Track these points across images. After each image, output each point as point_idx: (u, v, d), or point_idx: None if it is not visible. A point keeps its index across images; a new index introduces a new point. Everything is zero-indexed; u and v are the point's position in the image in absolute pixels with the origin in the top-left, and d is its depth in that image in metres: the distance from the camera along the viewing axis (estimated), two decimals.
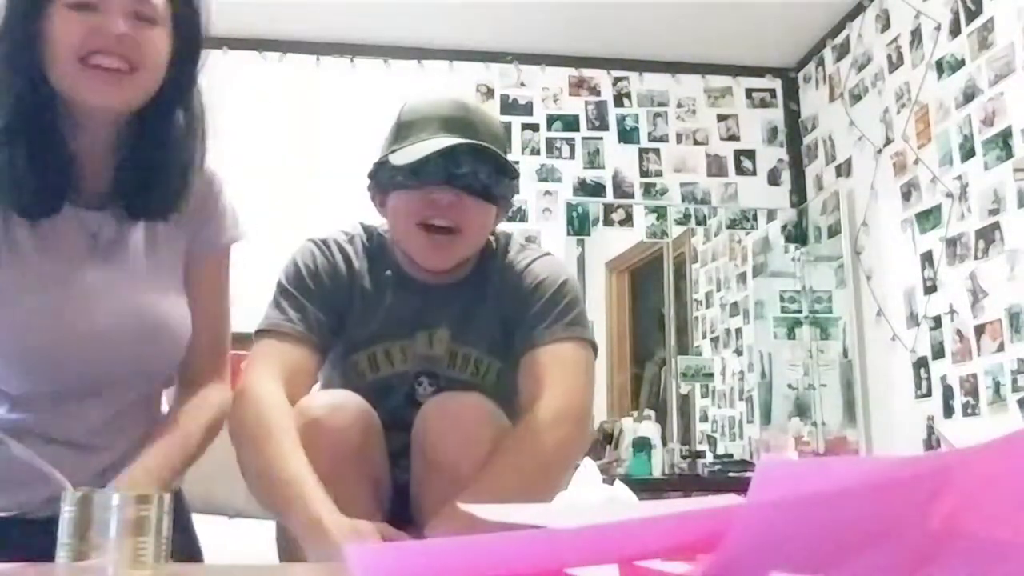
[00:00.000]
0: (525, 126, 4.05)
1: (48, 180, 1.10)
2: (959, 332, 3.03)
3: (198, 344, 1.24)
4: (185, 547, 1.26)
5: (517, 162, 3.97)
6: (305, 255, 1.39)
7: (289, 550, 1.20)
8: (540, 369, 1.29)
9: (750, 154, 4.17)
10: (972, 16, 3.04)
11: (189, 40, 1.16)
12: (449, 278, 1.40)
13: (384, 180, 1.35)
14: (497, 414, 1.25)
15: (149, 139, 1.16)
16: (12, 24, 1.07)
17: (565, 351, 1.31)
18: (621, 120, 4.13)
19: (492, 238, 1.46)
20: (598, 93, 4.15)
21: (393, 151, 1.32)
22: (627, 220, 4.03)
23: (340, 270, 1.38)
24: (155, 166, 1.16)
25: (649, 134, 4.13)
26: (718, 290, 4.12)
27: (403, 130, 1.34)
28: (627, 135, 4.12)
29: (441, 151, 1.26)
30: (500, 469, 1.17)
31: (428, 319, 1.37)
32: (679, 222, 4.07)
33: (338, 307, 1.36)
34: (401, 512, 1.28)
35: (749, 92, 4.23)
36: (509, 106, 4.06)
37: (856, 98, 3.75)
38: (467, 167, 1.29)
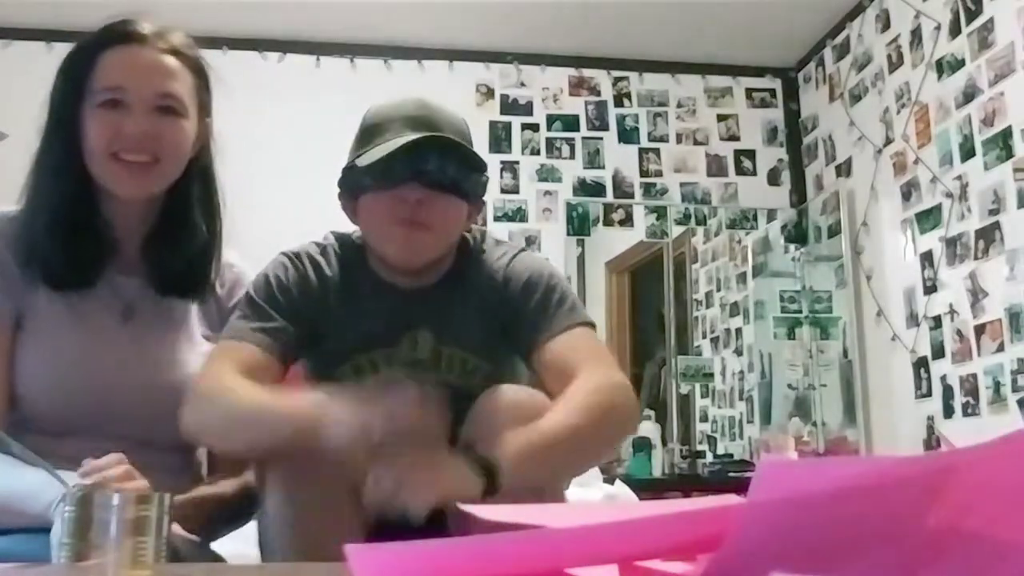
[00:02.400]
0: (525, 126, 4.05)
1: (83, 255, 1.23)
2: (959, 332, 3.03)
3: None
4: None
5: (517, 162, 3.97)
6: (276, 268, 1.38)
7: (271, 550, 1.20)
8: (562, 357, 1.28)
9: (750, 154, 4.17)
10: (972, 16, 3.04)
11: (205, 114, 1.32)
12: (426, 279, 1.38)
13: (352, 185, 1.35)
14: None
15: (172, 211, 1.31)
16: (55, 120, 1.24)
17: (580, 336, 1.31)
18: (621, 120, 4.13)
19: (468, 235, 1.45)
20: (598, 93, 4.15)
21: (359, 155, 1.32)
22: (627, 220, 4.03)
23: (311, 282, 1.36)
24: (179, 241, 1.30)
25: (649, 134, 4.13)
26: (718, 290, 4.12)
27: (367, 134, 1.34)
28: (627, 135, 4.11)
29: (407, 148, 1.26)
30: (566, 408, 1.18)
31: (409, 323, 1.35)
32: (679, 222, 4.06)
33: (310, 320, 1.34)
34: (391, 521, 1.27)
35: (749, 92, 4.23)
36: (509, 106, 4.06)
37: (856, 98, 3.74)
38: (434, 164, 1.28)
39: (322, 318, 1.35)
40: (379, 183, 1.30)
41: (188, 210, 1.32)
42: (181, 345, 1.31)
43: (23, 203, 1.26)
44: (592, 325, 1.36)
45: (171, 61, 1.26)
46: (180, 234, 1.31)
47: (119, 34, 1.24)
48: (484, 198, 1.44)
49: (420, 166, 1.28)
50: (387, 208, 1.30)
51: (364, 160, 1.30)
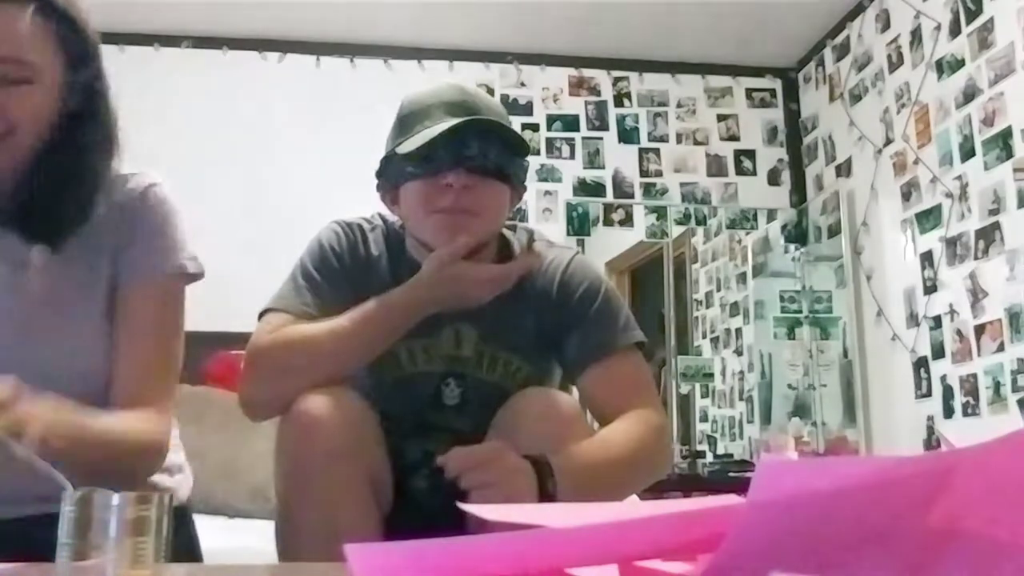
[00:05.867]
0: (525, 126, 4.05)
1: None
2: (959, 332, 3.03)
3: (117, 376, 1.13)
4: (184, 547, 1.27)
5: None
6: (329, 236, 1.36)
7: (288, 549, 1.20)
8: (609, 386, 1.30)
9: (750, 154, 4.17)
10: (972, 16, 3.04)
11: (78, 59, 1.13)
12: None
13: (393, 174, 1.32)
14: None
15: (47, 162, 1.11)
16: None
17: (630, 365, 1.33)
18: (621, 120, 4.13)
19: (512, 234, 1.43)
20: (598, 93, 4.15)
21: (399, 143, 1.29)
22: (627, 220, 4.03)
23: (360, 253, 1.36)
24: (50, 188, 1.11)
25: (649, 134, 4.13)
26: (718, 290, 4.12)
27: (406, 121, 1.31)
28: (627, 135, 4.11)
29: (449, 134, 1.24)
30: (614, 442, 1.21)
31: (451, 315, 1.32)
32: (679, 222, 4.06)
33: (357, 290, 1.31)
34: (409, 521, 1.26)
35: (749, 92, 4.23)
36: (509, 106, 4.05)
37: (856, 98, 3.74)
38: (476, 148, 1.26)
39: (365, 293, 1.31)
40: (421, 170, 1.28)
41: (66, 150, 1.12)
42: (51, 302, 1.14)
43: None
44: (643, 344, 1.36)
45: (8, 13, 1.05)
46: (51, 179, 1.11)
47: None
48: (525, 183, 1.43)
49: (463, 151, 1.26)
50: (430, 195, 1.28)
51: (405, 148, 1.27)
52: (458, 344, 1.34)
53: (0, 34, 1.05)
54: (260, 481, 2.34)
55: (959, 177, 3.07)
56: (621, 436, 1.23)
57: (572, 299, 1.34)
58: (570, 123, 4.09)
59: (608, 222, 4.01)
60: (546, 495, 1.09)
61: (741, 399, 3.96)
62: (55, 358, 1.11)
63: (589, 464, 1.16)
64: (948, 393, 3.07)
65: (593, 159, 4.07)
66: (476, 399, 1.30)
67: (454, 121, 1.24)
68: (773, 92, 4.26)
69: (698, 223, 4.12)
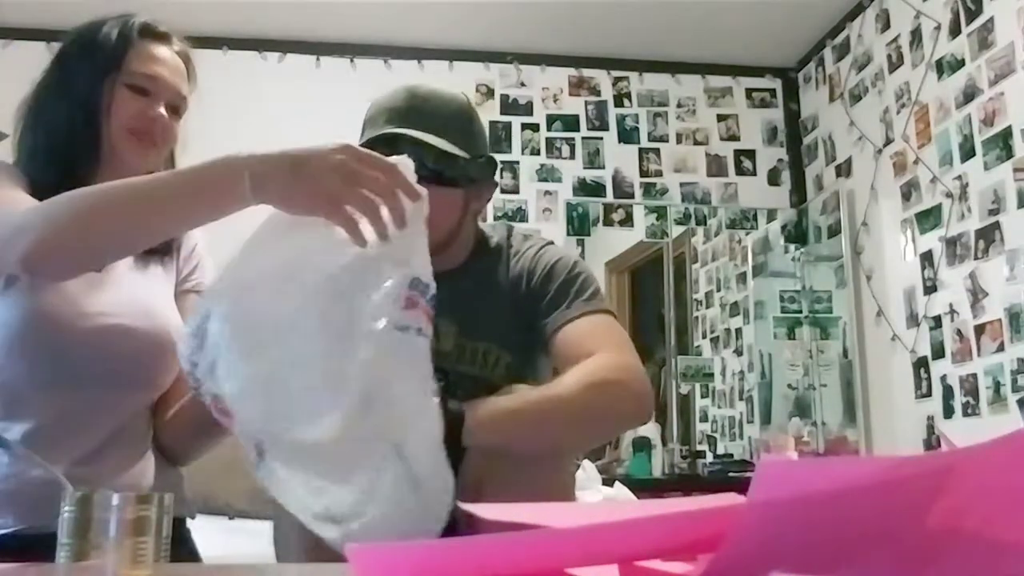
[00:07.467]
0: (525, 126, 4.05)
1: None
2: (959, 332, 3.03)
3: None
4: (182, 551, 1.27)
5: (517, 162, 3.97)
6: None
7: (286, 550, 1.20)
8: (578, 342, 1.27)
9: (750, 154, 4.17)
10: (972, 16, 3.04)
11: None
12: (442, 264, 1.38)
13: None
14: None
15: None
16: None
17: (598, 323, 1.30)
18: (621, 120, 4.13)
19: (491, 231, 1.45)
20: (598, 93, 4.15)
21: None
22: (627, 220, 4.03)
23: None
24: None
25: (649, 134, 4.13)
26: (718, 290, 4.12)
27: (363, 128, 1.36)
28: (627, 135, 4.12)
29: (383, 145, 1.25)
30: (561, 380, 1.18)
31: None
32: (679, 222, 4.07)
33: None
34: None
35: (749, 92, 4.23)
36: (509, 106, 4.06)
37: (856, 98, 3.75)
38: (408, 155, 1.27)
39: None
40: None
41: None
42: (153, 285, 1.35)
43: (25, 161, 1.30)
44: (613, 315, 1.35)
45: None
46: None
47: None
48: (493, 177, 1.42)
49: None
50: None
51: None
52: (437, 339, 1.35)
53: (183, 76, 1.39)
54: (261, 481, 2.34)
55: (959, 177, 3.07)
56: (558, 382, 1.21)
57: (542, 280, 1.36)
58: (570, 123, 4.10)
59: (608, 222, 4.01)
60: (456, 440, 1.10)
61: (741, 399, 3.96)
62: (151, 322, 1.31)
63: (507, 408, 1.15)
64: (948, 393, 3.07)
65: (593, 159, 4.07)
66: (458, 393, 1.30)
67: (378, 132, 1.28)
68: (773, 92, 4.26)
69: (698, 223, 4.12)
